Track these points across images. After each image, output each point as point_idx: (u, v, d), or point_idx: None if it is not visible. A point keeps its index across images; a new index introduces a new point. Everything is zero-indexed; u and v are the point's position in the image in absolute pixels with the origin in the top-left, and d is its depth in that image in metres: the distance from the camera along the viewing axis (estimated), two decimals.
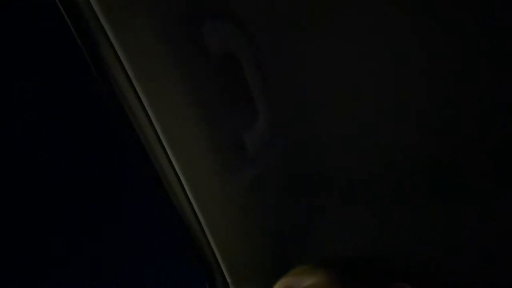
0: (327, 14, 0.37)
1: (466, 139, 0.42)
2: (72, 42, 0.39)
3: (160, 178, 0.51)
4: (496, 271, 0.46)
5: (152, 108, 0.44)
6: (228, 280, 0.60)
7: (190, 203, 0.53)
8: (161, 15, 0.39)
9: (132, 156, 0.50)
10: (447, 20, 0.36)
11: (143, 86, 0.43)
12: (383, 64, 0.39)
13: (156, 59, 0.41)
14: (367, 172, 0.48)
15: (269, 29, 0.39)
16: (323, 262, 0.43)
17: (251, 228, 0.55)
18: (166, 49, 0.40)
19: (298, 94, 0.43)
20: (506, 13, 0.34)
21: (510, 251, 0.45)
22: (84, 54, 0.38)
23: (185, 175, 0.50)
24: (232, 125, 0.47)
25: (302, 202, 0.54)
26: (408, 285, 0.37)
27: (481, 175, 0.44)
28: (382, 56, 0.39)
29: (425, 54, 0.38)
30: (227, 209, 0.53)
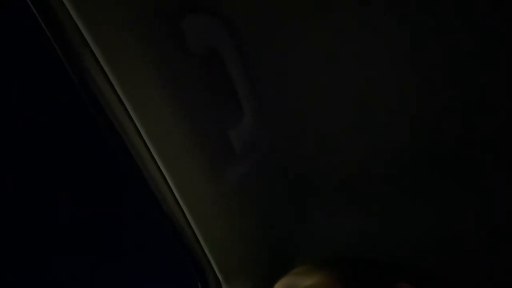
0: (317, 10, 0.36)
1: (462, 134, 0.43)
2: (48, 46, 0.38)
3: (146, 178, 0.50)
4: (498, 269, 0.47)
5: (134, 109, 0.43)
6: (220, 277, 0.59)
7: (179, 203, 0.52)
8: (140, 9, 0.37)
9: (118, 157, 0.49)
10: (438, 20, 0.36)
11: (125, 89, 0.41)
12: (373, 61, 0.39)
13: (136, 57, 0.40)
14: (360, 169, 0.48)
15: (255, 25, 0.38)
16: (324, 262, 0.43)
17: (241, 226, 0.54)
18: (147, 46, 0.39)
19: (286, 91, 0.43)
20: (497, 13, 0.34)
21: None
22: (60, 56, 0.37)
23: (172, 175, 0.49)
24: (218, 123, 0.46)
25: (293, 200, 0.54)
26: (410, 285, 0.36)
27: (479, 171, 0.44)
28: (373, 53, 0.39)
29: (416, 53, 0.38)
30: (216, 207, 0.52)
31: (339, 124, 0.45)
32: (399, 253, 0.49)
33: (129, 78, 0.41)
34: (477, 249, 0.47)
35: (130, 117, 0.43)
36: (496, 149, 0.43)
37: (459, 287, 0.45)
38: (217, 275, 0.60)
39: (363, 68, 0.40)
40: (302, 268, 0.43)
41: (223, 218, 0.53)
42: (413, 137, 0.44)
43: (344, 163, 0.48)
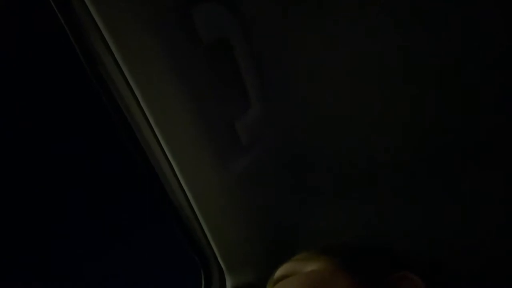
0: (326, 1, 0.37)
1: (462, 134, 0.43)
2: (62, 33, 0.39)
3: (153, 167, 0.51)
4: (495, 256, 0.47)
5: (144, 99, 0.44)
6: (223, 267, 0.60)
7: (184, 192, 0.53)
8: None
9: (126, 146, 0.50)
10: (437, 19, 0.36)
11: (135, 77, 0.42)
12: (374, 60, 0.39)
13: (146, 47, 0.41)
14: (363, 161, 0.48)
15: (263, 15, 0.38)
16: (326, 249, 0.43)
17: (245, 216, 0.55)
18: (156, 36, 0.40)
19: (293, 83, 0.43)
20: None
21: (506, 235, 0.46)
22: (74, 46, 0.38)
23: (178, 164, 0.50)
24: (225, 114, 0.47)
25: (296, 190, 0.54)
26: (411, 273, 0.36)
27: (479, 170, 0.44)
28: (373, 52, 0.39)
29: (415, 52, 0.38)
30: (221, 197, 0.53)
31: (341, 121, 0.45)
32: (401, 245, 0.49)
33: (140, 68, 0.42)
34: (476, 249, 0.48)
35: (140, 106, 0.44)
36: (496, 149, 0.43)
37: (459, 277, 0.45)
38: (221, 266, 0.61)
39: (364, 68, 0.40)
40: (304, 255, 0.43)
41: (227, 207, 0.54)
42: (413, 135, 0.44)
43: (347, 158, 0.49)
